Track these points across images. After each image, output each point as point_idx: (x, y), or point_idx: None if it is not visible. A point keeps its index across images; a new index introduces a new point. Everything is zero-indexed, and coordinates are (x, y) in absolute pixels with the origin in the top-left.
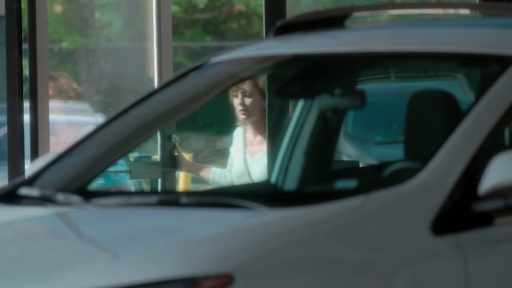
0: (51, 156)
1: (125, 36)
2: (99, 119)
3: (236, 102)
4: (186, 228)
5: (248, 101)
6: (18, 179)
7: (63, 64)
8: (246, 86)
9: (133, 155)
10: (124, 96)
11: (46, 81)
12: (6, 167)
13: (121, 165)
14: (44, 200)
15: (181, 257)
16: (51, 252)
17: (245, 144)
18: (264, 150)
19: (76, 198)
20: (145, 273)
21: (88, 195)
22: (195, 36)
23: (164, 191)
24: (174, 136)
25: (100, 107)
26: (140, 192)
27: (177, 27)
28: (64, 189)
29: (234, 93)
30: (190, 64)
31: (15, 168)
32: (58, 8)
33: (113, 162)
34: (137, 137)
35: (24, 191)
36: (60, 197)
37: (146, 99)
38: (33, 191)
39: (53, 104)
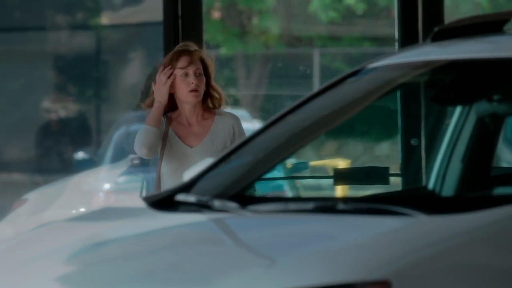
0: (208, 162)
1: (283, 42)
2: (257, 125)
3: (186, 80)
4: (343, 235)
5: (200, 80)
6: (175, 185)
7: (221, 70)
8: (197, 64)
9: (290, 162)
10: (282, 102)
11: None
12: None
13: (278, 171)
14: (201, 206)
15: (338, 263)
16: (208, 258)
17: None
18: (204, 137)
19: (233, 204)
20: (302, 279)
21: (245, 201)
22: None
23: (320, 198)
24: (414, 140)
25: (258, 113)
26: (296, 199)
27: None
28: (221, 195)
29: (185, 70)
30: (348, 70)
31: None
32: (216, 15)
33: (270, 168)
34: (294, 143)
35: (181, 197)
36: (217, 203)
37: (304, 105)
38: (190, 197)
39: None
